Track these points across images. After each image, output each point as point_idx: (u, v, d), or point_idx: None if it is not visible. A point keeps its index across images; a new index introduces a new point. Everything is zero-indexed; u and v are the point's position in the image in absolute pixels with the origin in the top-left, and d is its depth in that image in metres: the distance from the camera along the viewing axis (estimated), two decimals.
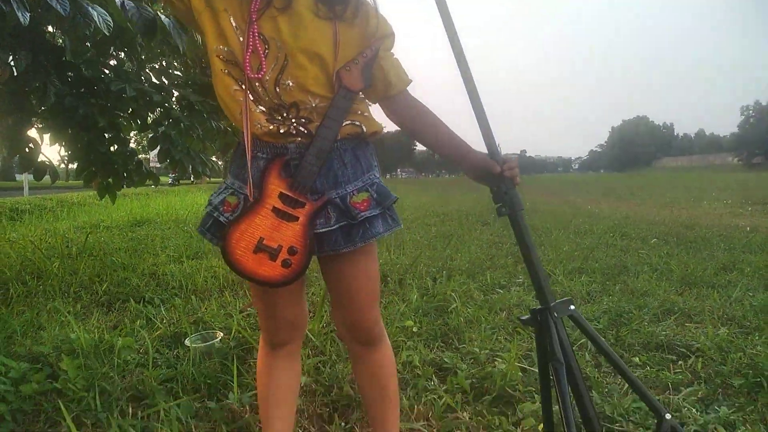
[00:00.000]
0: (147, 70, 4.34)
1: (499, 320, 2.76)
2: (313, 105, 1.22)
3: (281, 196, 1.21)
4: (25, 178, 15.64)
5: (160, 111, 4.43)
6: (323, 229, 1.22)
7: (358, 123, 1.28)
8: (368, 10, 1.29)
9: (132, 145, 4.51)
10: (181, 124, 4.24)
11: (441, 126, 1.34)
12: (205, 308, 2.93)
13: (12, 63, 3.16)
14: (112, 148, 4.00)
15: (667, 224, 7.29)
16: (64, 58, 3.44)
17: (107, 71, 3.83)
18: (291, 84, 1.21)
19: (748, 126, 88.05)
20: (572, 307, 1.26)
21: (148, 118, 4.24)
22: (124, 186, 4.14)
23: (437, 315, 2.85)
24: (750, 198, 12.28)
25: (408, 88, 1.34)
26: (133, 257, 4.35)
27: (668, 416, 1.23)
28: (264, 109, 1.23)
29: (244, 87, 1.22)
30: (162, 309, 2.94)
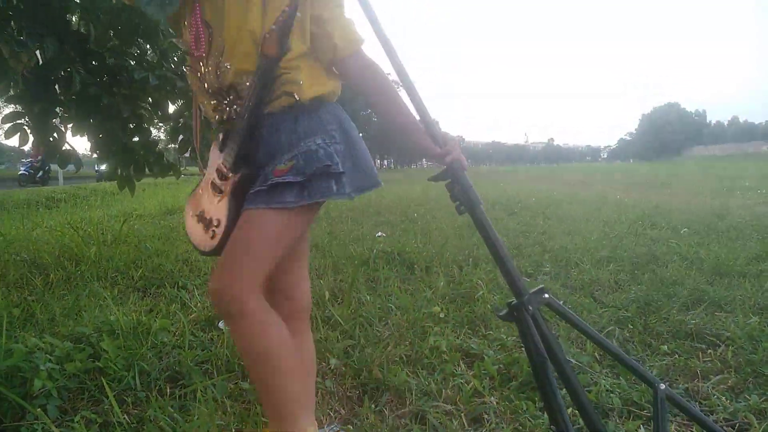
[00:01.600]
0: (169, 60, 4.41)
1: None
2: (247, 85, 1.23)
3: (217, 170, 1.30)
4: (59, 169, 15.98)
5: (182, 102, 4.50)
6: (252, 206, 1.22)
7: (290, 92, 1.23)
8: None
9: (155, 134, 4.59)
10: None
11: (393, 96, 1.30)
12: None
13: (38, 51, 3.25)
14: (134, 139, 4.09)
15: (697, 214, 7.15)
16: (88, 46, 3.52)
17: (131, 61, 3.91)
18: (228, 66, 1.24)
19: None
20: (546, 295, 1.27)
21: (170, 108, 4.31)
22: (149, 175, 4.22)
23: (464, 302, 2.88)
24: None
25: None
26: (165, 244, 4.46)
27: (662, 386, 1.24)
28: (211, 94, 1.29)
29: (198, 79, 1.31)
30: (196, 293, 3.02)
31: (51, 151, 3.60)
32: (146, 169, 4.07)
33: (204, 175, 1.36)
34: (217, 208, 1.27)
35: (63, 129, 3.64)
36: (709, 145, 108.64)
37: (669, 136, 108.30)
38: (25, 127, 3.42)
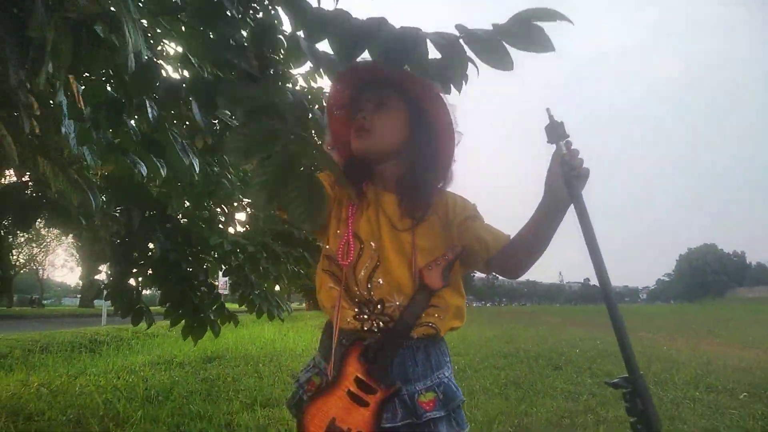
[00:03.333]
0: (235, 223, 4.67)
1: None
2: (397, 304, 1.33)
3: (357, 380, 1.28)
4: (104, 307, 16.29)
5: (244, 257, 4.70)
6: (389, 425, 1.25)
7: (432, 324, 1.33)
8: (441, 199, 1.42)
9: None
10: (261, 269, 4.47)
11: (535, 235, 1.33)
12: None
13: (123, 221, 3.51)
14: (198, 293, 4.23)
15: (754, 373, 6.79)
16: (166, 213, 3.78)
17: (201, 223, 4.16)
18: (381, 282, 1.34)
19: None
20: None
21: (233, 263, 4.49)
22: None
23: None
24: None
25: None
26: (208, 403, 4.43)
27: None
28: (355, 302, 1.35)
29: (341, 285, 1.36)
30: None
31: (124, 310, 3.74)
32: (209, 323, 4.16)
33: (326, 378, 1.32)
34: (358, 420, 1.24)
35: (138, 289, 3.82)
36: (753, 286, 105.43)
37: (710, 277, 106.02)
38: (102, 287, 3.62)
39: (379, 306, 1.33)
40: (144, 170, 2.53)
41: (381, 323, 1.33)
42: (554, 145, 1.30)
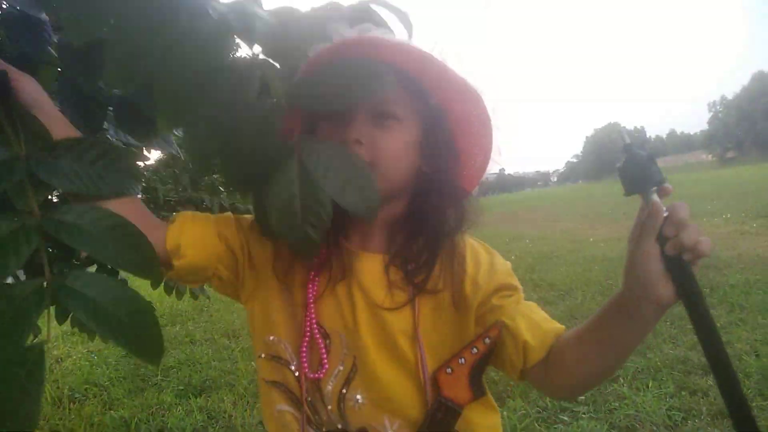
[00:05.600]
0: None
1: None
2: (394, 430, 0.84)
3: None
4: None
5: None
6: None
7: None
8: (453, 252, 0.88)
9: None
10: None
11: (604, 347, 0.78)
12: None
13: None
14: None
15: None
16: None
17: None
18: (361, 399, 0.84)
19: (717, 121, 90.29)
20: None
21: None
22: None
23: None
24: (748, 209, 11.73)
25: None
26: (134, 396, 3.84)
27: None
28: None
29: (301, 410, 0.85)
30: None
31: None
32: None
33: None
34: None
35: None
36: None
37: (613, 154, 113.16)
38: None
39: None
40: None
41: None
42: (638, 197, 0.73)
